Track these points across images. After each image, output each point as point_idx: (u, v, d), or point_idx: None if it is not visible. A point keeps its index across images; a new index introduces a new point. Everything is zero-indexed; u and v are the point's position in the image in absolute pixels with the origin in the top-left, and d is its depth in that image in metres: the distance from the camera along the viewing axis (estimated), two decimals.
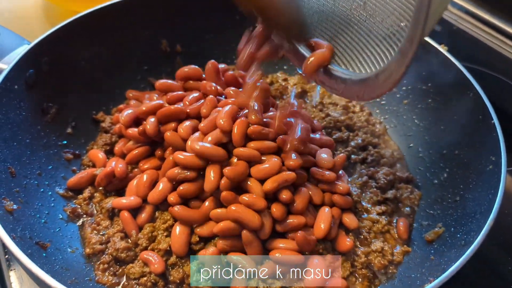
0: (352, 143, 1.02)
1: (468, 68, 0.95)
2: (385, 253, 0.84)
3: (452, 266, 0.68)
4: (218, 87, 0.93)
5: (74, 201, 0.91)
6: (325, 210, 0.81)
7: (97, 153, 0.96)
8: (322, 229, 0.79)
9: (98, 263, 0.81)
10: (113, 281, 0.79)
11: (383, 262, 0.83)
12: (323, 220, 0.80)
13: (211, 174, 0.78)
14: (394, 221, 0.90)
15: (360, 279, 0.81)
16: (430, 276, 0.73)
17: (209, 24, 1.18)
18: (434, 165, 0.97)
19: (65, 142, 0.99)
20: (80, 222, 0.88)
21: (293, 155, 0.82)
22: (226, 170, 0.77)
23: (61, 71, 1.00)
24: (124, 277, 0.80)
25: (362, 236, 0.86)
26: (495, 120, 0.84)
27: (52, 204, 0.88)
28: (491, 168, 0.82)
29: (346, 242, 0.81)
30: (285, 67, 1.22)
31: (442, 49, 0.99)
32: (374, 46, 0.68)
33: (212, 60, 0.97)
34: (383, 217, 0.89)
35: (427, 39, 1.00)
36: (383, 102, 1.12)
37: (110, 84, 1.09)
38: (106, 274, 0.80)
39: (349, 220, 0.84)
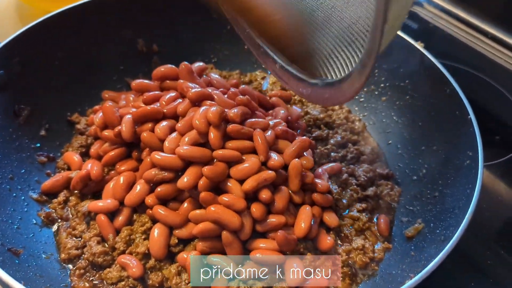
0: (332, 141, 1.02)
1: (444, 65, 0.95)
2: (366, 250, 0.84)
3: (432, 262, 0.68)
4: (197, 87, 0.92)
5: (49, 205, 0.88)
6: (306, 209, 0.81)
7: (72, 156, 0.94)
8: (302, 228, 0.78)
9: (74, 268, 0.79)
10: (89, 287, 0.77)
11: (365, 260, 0.82)
12: (303, 219, 0.79)
13: (189, 172, 0.77)
14: (375, 218, 0.90)
15: (341, 278, 0.80)
16: (410, 272, 0.73)
17: (186, 23, 1.16)
18: (413, 162, 0.97)
19: (39, 144, 0.96)
20: (55, 227, 0.86)
21: (274, 155, 0.81)
22: (205, 169, 0.76)
23: (34, 71, 0.97)
24: (102, 282, 0.78)
25: (343, 234, 0.86)
26: (472, 115, 0.85)
27: (25, 209, 0.85)
28: (469, 163, 0.82)
29: (327, 240, 0.81)
30: (263, 66, 1.21)
31: (418, 46, 0.99)
32: (340, 51, 0.68)
33: (185, 62, 0.96)
34: (364, 214, 0.89)
35: (404, 36, 1.01)
36: (361, 100, 1.13)
37: (85, 84, 1.07)
38: (83, 279, 0.78)
39: (330, 218, 0.84)
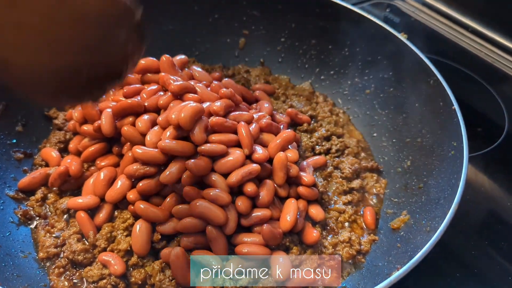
0: (316, 134, 1.01)
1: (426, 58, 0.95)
2: (353, 243, 0.83)
3: (419, 253, 0.68)
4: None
5: (26, 203, 0.85)
6: (291, 202, 0.80)
7: (50, 152, 0.91)
8: (288, 222, 0.77)
9: (53, 267, 0.76)
10: (69, 286, 0.74)
11: (351, 252, 0.82)
12: (288, 212, 0.78)
13: (172, 166, 0.75)
14: (361, 211, 0.90)
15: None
16: (397, 263, 0.73)
17: (168, 16, 1.13)
18: (398, 153, 0.98)
19: (15, 140, 0.92)
20: (33, 225, 0.83)
21: (258, 148, 0.80)
22: (189, 163, 0.74)
23: None
24: (82, 281, 0.75)
25: (329, 227, 0.85)
26: (456, 105, 0.85)
27: (1, 207, 0.82)
28: (453, 153, 0.82)
29: (313, 234, 0.80)
30: (246, 59, 1.19)
31: (402, 37, 0.99)
32: None
33: (166, 55, 0.94)
34: (349, 206, 0.89)
35: (387, 27, 1.00)
36: (345, 93, 1.12)
37: None
38: (62, 279, 0.75)
39: (316, 211, 0.83)
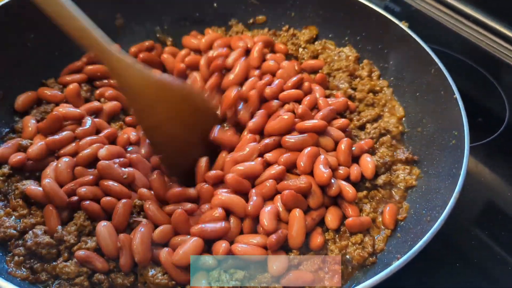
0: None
1: None
2: (366, 245, 0.78)
3: (419, 242, 0.67)
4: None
5: None
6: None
7: (29, 121, 0.88)
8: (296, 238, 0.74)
9: (11, 255, 0.73)
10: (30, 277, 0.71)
11: (362, 255, 0.76)
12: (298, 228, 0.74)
13: None
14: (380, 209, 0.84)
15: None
16: (397, 253, 0.72)
17: None
18: (398, 144, 0.96)
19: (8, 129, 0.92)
20: None
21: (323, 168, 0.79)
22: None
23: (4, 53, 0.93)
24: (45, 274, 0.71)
25: (341, 231, 0.80)
26: (457, 94, 0.84)
27: None
28: (454, 143, 0.82)
29: (317, 240, 0.76)
30: None
31: (403, 26, 0.98)
32: None
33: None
34: (368, 205, 0.83)
35: (387, 15, 0.99)
36: None
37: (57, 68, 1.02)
38: (22, 268, 0.71)
39: (331, 218, 0.79)
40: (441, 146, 0.85)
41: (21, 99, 0.93)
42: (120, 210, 0.74)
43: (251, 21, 1.16)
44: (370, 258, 0.77)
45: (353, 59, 1.05)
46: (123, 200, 0.75)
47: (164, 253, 0.71)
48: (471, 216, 0.96)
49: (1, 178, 0.80)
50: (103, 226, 0.72)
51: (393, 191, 0.86)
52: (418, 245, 0.67)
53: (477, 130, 1.06)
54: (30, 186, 0.77)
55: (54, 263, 0.72)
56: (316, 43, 1.12)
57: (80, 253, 0.71)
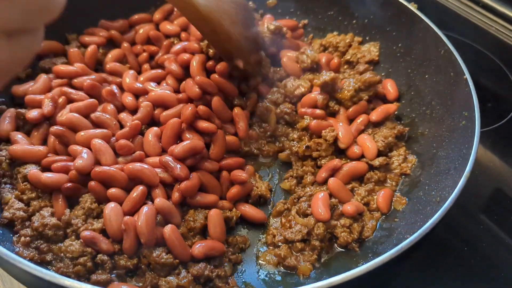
0: None
1: None
2: (353, 230, 0.77)
3: (428, 222, 0.65)
4: None
5: None
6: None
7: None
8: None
9: (17, 236, 0.72)
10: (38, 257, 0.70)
11: (346, 239, 0.76)
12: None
13: None
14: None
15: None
16: (406, 234, 0.71)
17: None
18: (407, 126, 0.94)
19: None
20: None
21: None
22: None
23: None
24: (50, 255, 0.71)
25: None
26: (467, 75, 0.83)
27: None
28: (464, 123, 0.80)
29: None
30: None
31: (411, 7, 0.96)
32: None
33: None
34: (362, 189, 0.83)
35: None
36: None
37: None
38: (30, 248, 0.71)
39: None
40: (451, 127, 0.84)
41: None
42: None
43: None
44: (353, 244, 0.77)
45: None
46: (140, 187, 0.75)
47: (168, 229, 0.71)
48: (478, 202, 0.95)
49: (7, 161, 0.79)
50: (110, 208, 0.72)
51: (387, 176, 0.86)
52: (427, 225, 0.65)
53: (486, 116, 1.05)
54: (32, 170, 0.76)
55: (60, 244, 0.71)
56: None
57: (86, 233, 0.71)
